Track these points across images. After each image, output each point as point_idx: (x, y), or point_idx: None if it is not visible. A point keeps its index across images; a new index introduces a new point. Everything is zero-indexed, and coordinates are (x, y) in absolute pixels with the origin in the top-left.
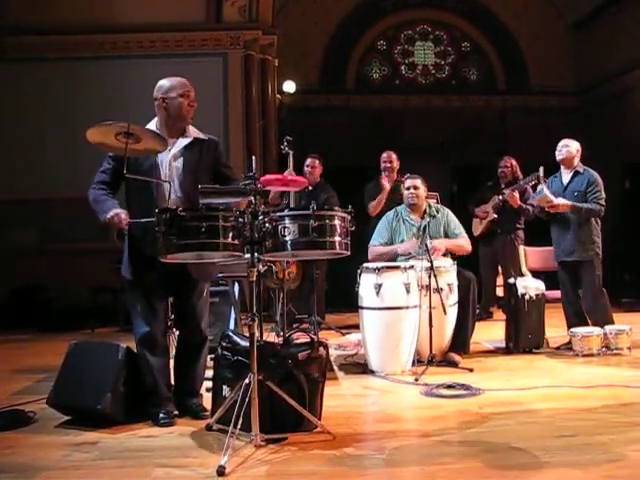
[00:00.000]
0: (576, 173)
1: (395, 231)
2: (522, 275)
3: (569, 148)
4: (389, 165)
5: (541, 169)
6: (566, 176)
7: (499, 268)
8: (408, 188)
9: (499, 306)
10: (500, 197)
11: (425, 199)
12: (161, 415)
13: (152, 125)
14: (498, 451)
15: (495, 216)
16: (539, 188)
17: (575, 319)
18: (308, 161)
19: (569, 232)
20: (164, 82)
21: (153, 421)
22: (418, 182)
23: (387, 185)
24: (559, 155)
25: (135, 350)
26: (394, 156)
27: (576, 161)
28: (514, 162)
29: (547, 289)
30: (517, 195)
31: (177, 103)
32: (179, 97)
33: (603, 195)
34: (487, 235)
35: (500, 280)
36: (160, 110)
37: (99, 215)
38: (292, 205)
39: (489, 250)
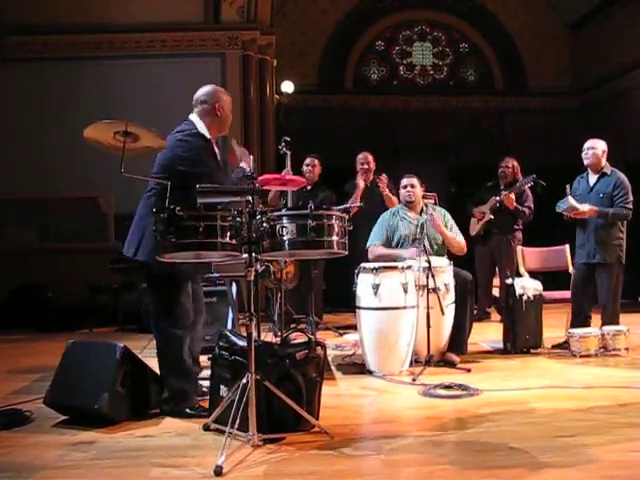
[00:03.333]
0: (603, 174)
1: (394, 228)
2: (519, 275)
3: (595, 151)
4: (366, 167)
5: (568, 186)
6: (592, 177)
7: (496, 269)
8: (405, 186)
9: (496, 307)
10: (497, 198)
11: (422, 198)
12: (199, 407)
13: (201, 124)
14: (496, 451)
15: (491, 217)
16: (564, 198)
17: (581, 320)
18: (308, 160)
19: (593, 235)
20: (221, 92)
21: (195, 413)
22: (414, 181)
23: (362, 183)
24: (586, 160)
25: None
26: (370, 157)
27: (603, 162)
28: (515, 163)
29: (545, 290)
30: (513, 197)
31: (227, 116)
32: (230, 112)
33: (631, 198)
34: (483, 235)
35: (496, 280)
36: (210, 115)
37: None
38: (290, 205)
39: (485, 250)
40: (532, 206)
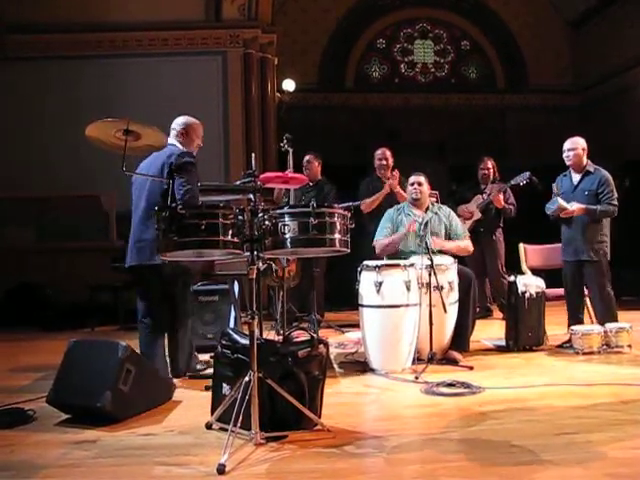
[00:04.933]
0: (587, 173)
1: (398, 223)
2: (521, 273)
3: (576, 151)
4: (384, 162)
5: (554, 185)
6: (576, 175)
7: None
8: (412, 184)
9: (498, 304)
10: (485, 197)
11: (429, 197)
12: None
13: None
14: (498, 449)
15: (480, 215)
16: (553, 199)
17: (576, 318)
18: (306, 157)
19: (578, 232)
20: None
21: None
22: (422, 179)
23: (387, 189)
24: (568, 161)
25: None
26: (388, 153)
27: (585, 160)
28: (493, 162)
29: (547, 287)
30: (501, 197)
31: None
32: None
33: (616, 195)
34: (472, 234)
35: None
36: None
37: None
38: (292, 202)
39: (476, 249)
40: (515, 203)
